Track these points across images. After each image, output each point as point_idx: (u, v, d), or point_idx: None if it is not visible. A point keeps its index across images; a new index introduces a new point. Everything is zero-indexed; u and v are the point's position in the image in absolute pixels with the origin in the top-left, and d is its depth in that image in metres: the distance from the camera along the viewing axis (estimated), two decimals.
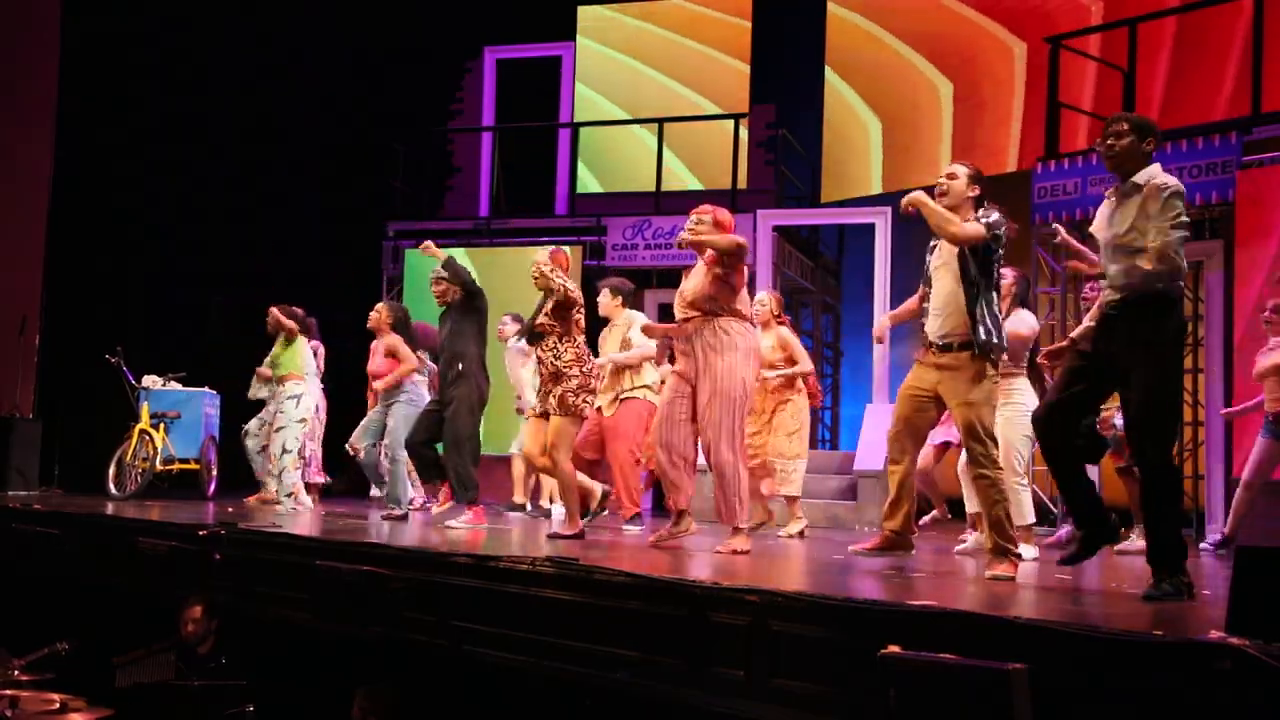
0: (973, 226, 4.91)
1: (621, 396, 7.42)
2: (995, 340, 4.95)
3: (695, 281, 5.84)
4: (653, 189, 11.70)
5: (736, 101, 12.54)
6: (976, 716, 3.16)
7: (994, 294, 5.01)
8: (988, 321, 4.93)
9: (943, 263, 5.06)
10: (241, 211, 11.90)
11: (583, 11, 13.39)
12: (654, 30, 13.27)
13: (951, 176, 5.08)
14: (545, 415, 6.46)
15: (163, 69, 11.67)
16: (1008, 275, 6.10)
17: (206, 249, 11.69)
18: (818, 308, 12.73)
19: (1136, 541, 6.81)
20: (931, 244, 5.20)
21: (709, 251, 5.82)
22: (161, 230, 11.57)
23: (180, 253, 11.60)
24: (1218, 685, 2.90)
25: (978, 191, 5.07)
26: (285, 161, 12.00)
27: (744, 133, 11.93)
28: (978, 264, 4.95)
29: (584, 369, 6.38)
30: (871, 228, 10.87)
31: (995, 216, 4.97)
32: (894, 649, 3.37)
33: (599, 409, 7.39)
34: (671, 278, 10.35)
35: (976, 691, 3.16)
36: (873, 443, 9.40)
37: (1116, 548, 6.83)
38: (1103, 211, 4.49)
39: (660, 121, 12.05)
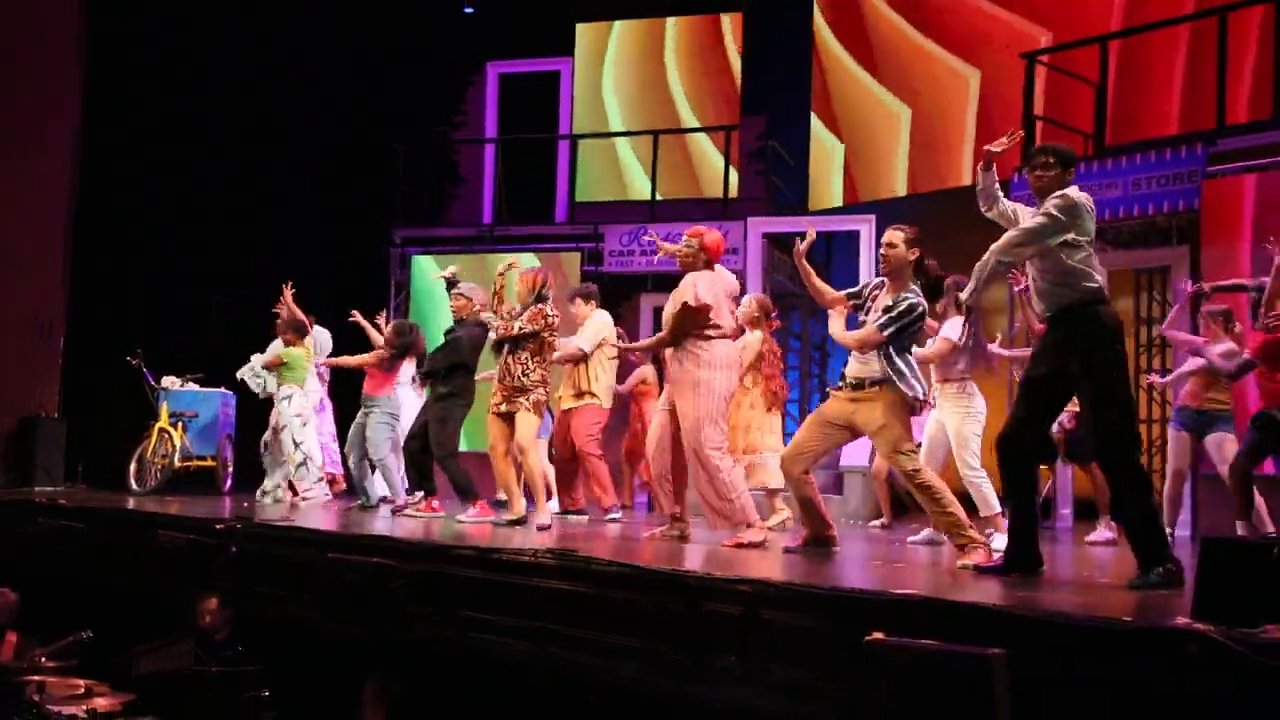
0: (872, 334, 5.26)
1: (582, 398, 7.71)
2: (909, 383, 5.26)
3: (668, 307, 6.07)
4: (648, 197, 12.09)
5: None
6: (959, 698, 3.33)
7: (908, 346, 5.36)
8: (903, 370, 5.26)
9: (867, 316, 5.41)
10: (241, 211, 11.92)
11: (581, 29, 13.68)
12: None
13: (890, 245, 5.33)
14: (506, 415, 6.79)
15: (163, 69, 11.64)
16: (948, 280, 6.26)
17: (206, 249, 11.69)
18: (806, 311, 12.95)
19: (1104, 532, 7.07)
20: (879, 281, 5.49)
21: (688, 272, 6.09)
22: (161, 230, 11.57)
23: (180, 253, 11.60)
24: (1185, 669, 3.04)
25: (917, 254, 5.33)
26: (285, 162, 12.02)
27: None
28: (897, 329, 5.26)
29: (546, 388, 6.89)
30: (857, 235, 11.20)
31: (913, 301, 5.25)
32: (878, 635, 3.53)
33: (562, 407, 7.77)
34: (666, 282, 10.55)
35: (959, 675, 3.33)
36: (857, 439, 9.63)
37: (1087, 538, 7.09)
38: None
39: (656, 134, 12.39)
